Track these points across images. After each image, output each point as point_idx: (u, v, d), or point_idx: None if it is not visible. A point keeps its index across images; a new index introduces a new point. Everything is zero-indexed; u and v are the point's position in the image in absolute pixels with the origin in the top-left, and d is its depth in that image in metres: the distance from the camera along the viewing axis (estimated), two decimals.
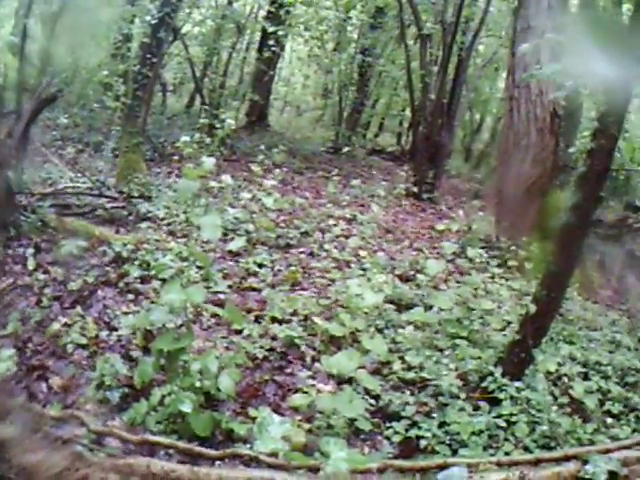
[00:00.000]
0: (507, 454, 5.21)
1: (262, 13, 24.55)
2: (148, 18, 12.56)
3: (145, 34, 12.90)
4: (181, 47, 20.91)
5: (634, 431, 5.92)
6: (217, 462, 4.82)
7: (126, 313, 7.21)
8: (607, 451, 5.01)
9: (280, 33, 20.13)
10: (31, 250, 8.49)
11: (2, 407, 4.82)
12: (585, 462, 4.85)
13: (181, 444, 4.90)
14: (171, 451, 4.90)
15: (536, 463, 4.90)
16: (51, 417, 4.98)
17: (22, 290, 7.64)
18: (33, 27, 9.66)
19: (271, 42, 20.61)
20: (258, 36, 25.08)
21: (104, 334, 6.74)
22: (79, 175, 12.70)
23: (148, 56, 12.65)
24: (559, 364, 6.92)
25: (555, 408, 5.98)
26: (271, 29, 19.94)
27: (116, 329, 6.86)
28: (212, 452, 4.87)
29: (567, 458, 4.94)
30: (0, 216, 8.72)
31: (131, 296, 7.75)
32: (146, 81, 12.77)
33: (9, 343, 6.40)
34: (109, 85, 15.21)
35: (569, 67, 6.97)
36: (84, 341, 6.54)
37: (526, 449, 5.40)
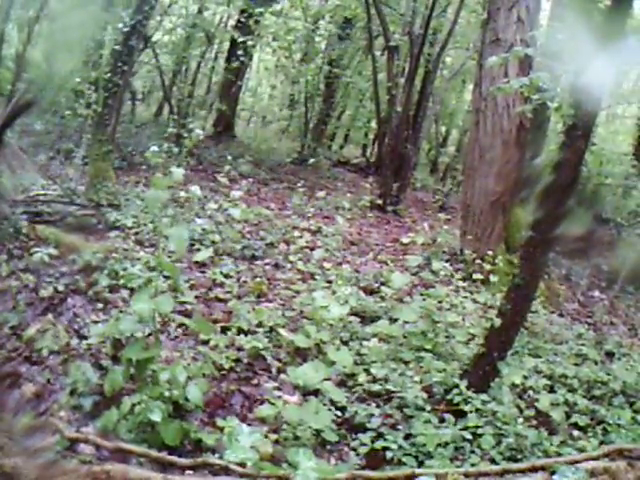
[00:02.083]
0: (473, 466, 5.25)
1: (231, 22, 24.64)
2: (120, 25, 12.53)
3: (117, 41, 12.86)
4: (151, 55, 20.85)
5: (601, 443, 5.98)
6: (187, 471, 4.83)
7: (95, 322, 7.23)
8: (574, 462, 5.05)
9: (249, 43, 20.10)
10: (4, 257, 8.47)
11: None
12: (552, 473, 4.89)
13: (154, 452, 4.91)
14: (143, 459, 4.90)
15: (503, 474, 4.95)
16: (25, 424, 4.97)
17: None
18: (10, 32, 9.63)
19: (240, 52, 20.61)
20: (227, 45, 25.05)
21: (75, 342, 6.75)
22: (50, 182, 12.64)
23: (119, 64, 12.65)
24: (524, 377, 6.99)
25: (521, 420, 6.06)
26: (240, 39, 19.91)
27: (86, 337, 6.85)
28: (184, 461, 4.89)
29: (535, 469, 4.99)
30: None
31: (100, 305, 7.76)
32: (116, 89, 12.79)
33: None
34: (81, 92, 15.12)
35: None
36: (57, 348, 6.53)
37: (492, 461, 5.45)
